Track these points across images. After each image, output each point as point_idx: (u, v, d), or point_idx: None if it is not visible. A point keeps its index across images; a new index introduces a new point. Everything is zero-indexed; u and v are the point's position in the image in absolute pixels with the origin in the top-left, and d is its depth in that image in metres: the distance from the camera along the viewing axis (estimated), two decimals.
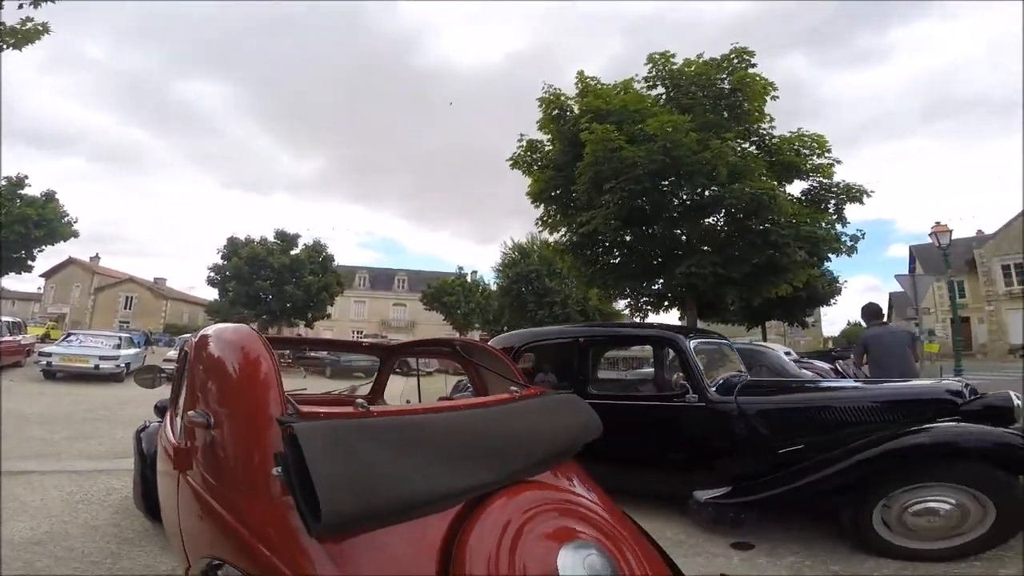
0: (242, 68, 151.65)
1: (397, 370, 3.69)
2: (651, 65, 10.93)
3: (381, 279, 54.11)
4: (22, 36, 5.90)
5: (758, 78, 10.36)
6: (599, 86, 10.75)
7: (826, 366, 12.44)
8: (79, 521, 3.42)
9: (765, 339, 25.72)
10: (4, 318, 17.08)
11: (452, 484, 1.28)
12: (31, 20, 6.10)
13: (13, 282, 26.18)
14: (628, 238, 10.94)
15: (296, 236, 30.73)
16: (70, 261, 43.14)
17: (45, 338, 17.16)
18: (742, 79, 10.15)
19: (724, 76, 10.32)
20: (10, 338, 14.61)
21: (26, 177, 22.29)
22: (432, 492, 1.22)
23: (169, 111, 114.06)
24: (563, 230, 11.84)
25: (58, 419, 7.20)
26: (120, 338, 14.59)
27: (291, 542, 1.15)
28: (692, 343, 3.95)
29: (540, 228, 12.49)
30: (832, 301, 29.19)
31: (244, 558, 1.26)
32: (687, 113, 9.96)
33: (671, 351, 4.22)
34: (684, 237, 10.67)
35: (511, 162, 11.75)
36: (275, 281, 28.55)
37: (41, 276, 42.41)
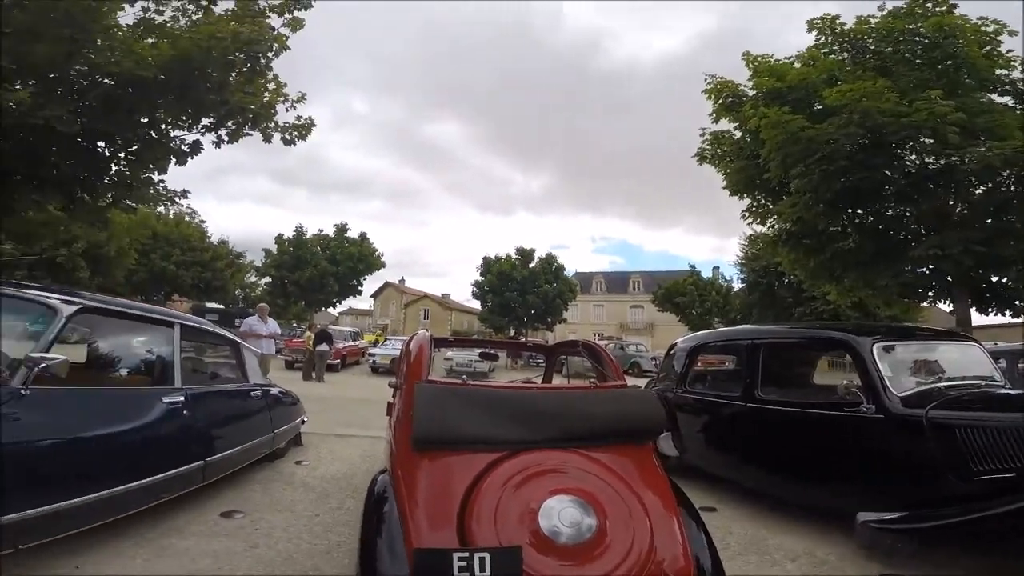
0: (460, 105, 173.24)
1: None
2: (816, 32, 9.30)
3: (616, 283, 55.60)
4: (299, 131, 7.04)
5: (968, 23, 7.95)
6: (773, 64, 9.51)
7: None
8: (363, 468, 4.87)
9: None
10: (349, 329, 24.67)
11: (502, 434, 1.83)
12: (302, 117, 7.03)
13: (353, 302, 37.52)
14: (867, 219, 9.23)
15: (532, 251, 34.74)
16: (387, 285, 57.31)
17: (376, 343, 23.61)
18: (939, 25, 7.91)
19: (918, 25, 8.19)
20: (353, 343, 21.31)
21: (346, 223, 31.84)
22: (486, 436, 1.82)
23: (424, 150, 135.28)
24: (771, 220, 10.75)
25: (374, 400, 9.12)
26: None
27: (405, 454, 1.89)
28: (877, 346, 3.48)
29: (748, 220, 11.64)
30: None
31: (391, 465, 2.07)
32: (887, 76, 8.16)
33: (848, 356, 3.69)
34: (924, 213, 8.58)
35: (697, 158, 11.25)
36: (520, 292, 32.87)
37: (371, 296, 57.70)
